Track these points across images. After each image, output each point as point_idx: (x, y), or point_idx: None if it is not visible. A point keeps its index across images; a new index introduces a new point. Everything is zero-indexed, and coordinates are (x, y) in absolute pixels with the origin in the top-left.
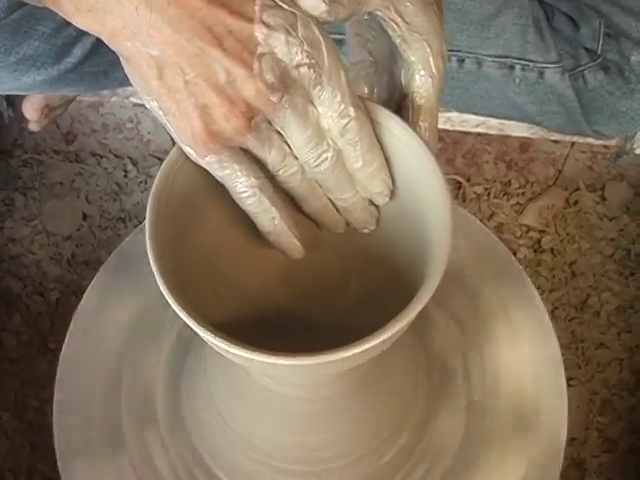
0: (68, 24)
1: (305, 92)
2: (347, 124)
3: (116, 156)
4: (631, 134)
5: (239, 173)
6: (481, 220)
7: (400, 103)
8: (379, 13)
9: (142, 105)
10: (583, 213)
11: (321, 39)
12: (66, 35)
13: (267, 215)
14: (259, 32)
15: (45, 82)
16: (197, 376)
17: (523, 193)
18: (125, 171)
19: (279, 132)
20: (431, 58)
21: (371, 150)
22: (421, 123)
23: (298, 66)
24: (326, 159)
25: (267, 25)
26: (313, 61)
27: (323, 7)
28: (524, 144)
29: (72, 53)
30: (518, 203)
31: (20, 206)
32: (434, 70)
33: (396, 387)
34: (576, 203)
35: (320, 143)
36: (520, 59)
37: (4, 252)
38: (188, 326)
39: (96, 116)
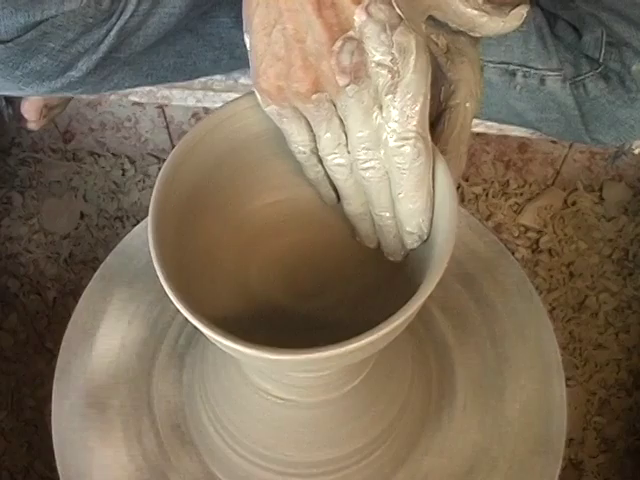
0: (77, 41)
1: (376, 94)
2: (402, 147)
3: (114, 155)
4: (629, 142)
5: (294, 133)
6: (479, 220)
7: (434, 121)
8: (431, 36)
9: (140, 104)
10: (581, 213)
11: (414, 52)
12: (74, 51)
13: (313, 168)
14: (358, 16)
15: (47, 92)
16: (195, 366)
17: (521, 193)
18: (123, 170)
19: (341, 120)
20: (473, 80)
21: (418, 188)
22: (449, 132)
23: (378, 65)
24: (374, 168)
25: (369, 13)
26: (395, 67)
27: None
28: (523, 144)
29: (77, 67)
30: (516, 203)
31: (18, 205)
32: (474, 91)
33: (392, 390)
34: (574, 203)
35: (373, 149)
36: (521, 66)
37: (1, 251)
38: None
39: (94, 115)
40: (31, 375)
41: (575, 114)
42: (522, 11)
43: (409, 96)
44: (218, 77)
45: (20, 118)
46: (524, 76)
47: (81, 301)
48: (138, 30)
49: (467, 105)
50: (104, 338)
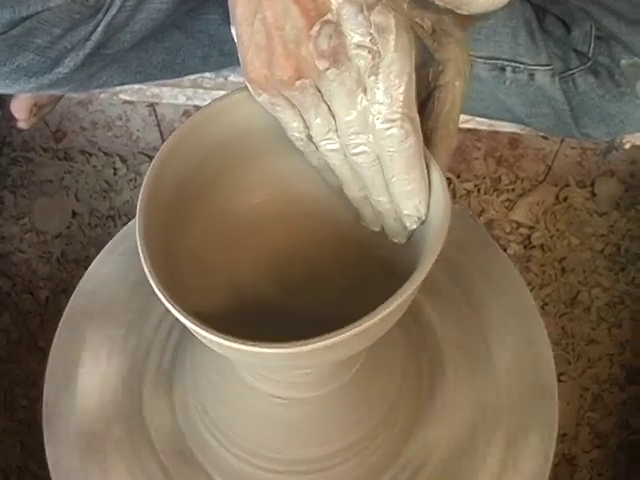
0: (64, 37)
1: (359, 77)
2: (389, 129)
3: (105, 154)
4: (620, 136)
5: (289, 119)
6: (471, 216)
7: (424, 102)
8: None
9: (131, 102)
10: (573, 209)
11: (393, 31)
12: (61, 48)
13: (314, 155)
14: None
15: (34, 89)
16: (186, 380)
17: (513, 189)
18: (114, 169)
19: (329, 105)
20: (461, 60)
21: (409, 170)
22: (440, 110)
23: (358, 47)
24: (364, 152)
25: None
26: (375, 48)
27: None
28: (514, 140)
29: (64, 64)
30: (508, 199)
31: (9, 204)
32: (462, 70)
33: (384, 387)
34: (566, 199)
35: (361, 133)
36: (511, 61)
37: None
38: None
39: (85, 114)
40: (24, 375)
41: (565, 109)
42: None
43: (392, 76)
44: (208, 75)
45: (10, 117)
46: (513, 71)
47: (54, 347)
48: (125, 26)
49: (456, 84)
50: (86, 379)
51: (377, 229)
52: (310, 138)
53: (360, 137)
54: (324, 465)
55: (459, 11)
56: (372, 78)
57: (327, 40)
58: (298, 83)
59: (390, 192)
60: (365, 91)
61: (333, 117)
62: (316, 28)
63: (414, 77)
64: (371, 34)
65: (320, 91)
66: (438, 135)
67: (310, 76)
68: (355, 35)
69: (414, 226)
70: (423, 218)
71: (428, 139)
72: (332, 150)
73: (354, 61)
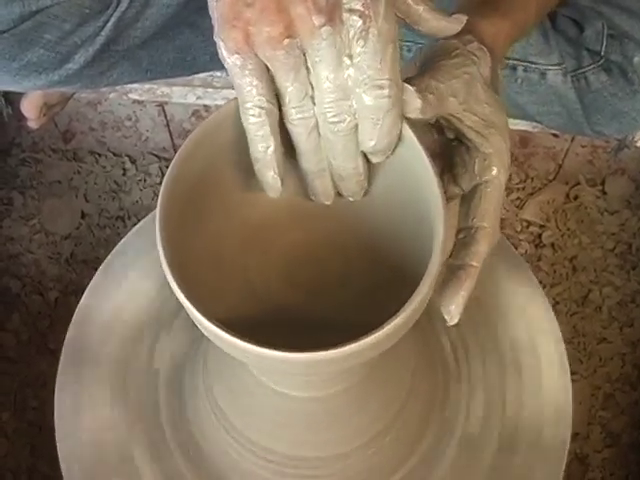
0: (74, 32)
1: (348, 41)
2: (376, 97)
3: (114, 154)
4: (632, 134)
5: (254, 89)
6: None
7: (470, 193)
8: (455, 114)
9: (141, 102)
10: (584, 208)
11: (383, 2)
12: (71, 43)
13: (263, 141)
14: None
15: (45, 85)
16: (197, 378)
17: (523, 188)
18: (124, 169)
19: (309, 69)
20: (505, 151)
21: (390, 134)
22: (488, 207)
23: (351, 11)
24: (344, 121)
25: None
26: (367, 12)
27: (418, 104)
28: (524, 138)
29: (74, 59)
30: (518, 198)
31: (18, 205)
32: (505, 161)
33: (398, 385)
34: (577, 198)
35: (343, 100)
36: (522, 60)
37: (2, 252)
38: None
39: (94, 114)
40: (34, 376)
41: (577, 107)
42: (462, 18)
43: (380, 42)
44: (218, 74)
45: (20, 117)
46: (525, 70)
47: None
48: (136, 22)
49: (501, 178)
50: (88, 435)
51: (329, 202)
52: (268, 115)
53: (340, 104)
54: (335, 463)
55: (414, 26)
56: (360, 42)
57: None
58: (286, 41)
59: (363, 149)
60: (351, 57)
61: (310, 84)
62: None
63: (398, 46)
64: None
65: (305, 54)
66: (485, 233)
67: (301, 34)
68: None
69: (382, 159)
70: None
71: (472, 236)
72: (302, 118)
73: (345, 24)
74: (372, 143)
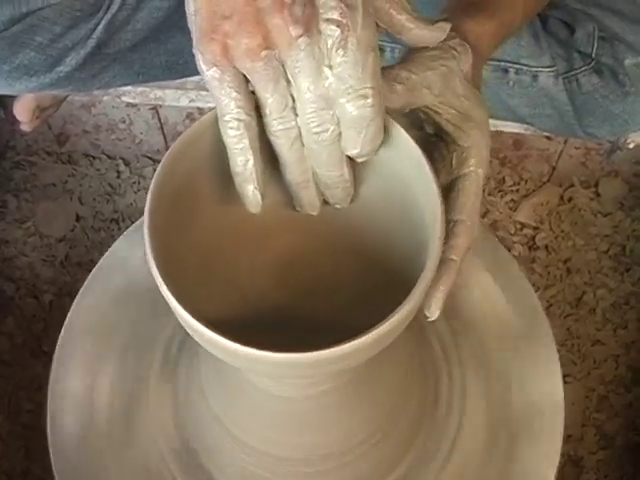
0: (65, 35)
1: (326, 51)
2: (360, 107)
3: (109, 157)
4: (624, 136)
5: (232, 102)
6: None
7: (448, 187)
8: (432, 107)
9: (135, 105)
10: (577, 210)
11: (360, 9)
12: (62, 46)
13: (242, 155)
14: None
15: (36, 88)
16: (192, 376)
17: (517, 190)
18: (118, 172)
19: (289, 81)
20: (483, 145)
21: (373, 141)
22: (466, 200)
23: (327, 20)
24: (327, 130)
25: None
26: (344, 21)
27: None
28: (517, 141)
29: (65, 62)
30: (512, 200)
31: (12, 208)
32: (484, 155)
33: (390, 385)
34: (570, 200)
35: (326, 110)
36: (514, 63)
37: None
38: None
39: (88, 117)
40: (28, 379)
41: (568, 109)
42: (446, 26)
43: (361, 51)
44: None
45: (13, 120)
46: (517, 73)
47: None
48: (127, 25)
49: (479, 171)
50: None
51: (315, 212)
52: (247, 128)
53: (322, 114)
54: (330, 462)
55: (398, 36)
56: (340, 52)
57: (302, 8)
58: (264, 53)
59: (349, 155)
60: (331, 67)
61: (291, 95)
62: None
63: (379, 54)
64: (341, 8)
65: (283, 66)
66: (463, 226)
67: (278, 45)
68: (326, 9)
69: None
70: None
71: (451, 230)
72: (284, 129)
73: (323, 34)
74: (356, 151)
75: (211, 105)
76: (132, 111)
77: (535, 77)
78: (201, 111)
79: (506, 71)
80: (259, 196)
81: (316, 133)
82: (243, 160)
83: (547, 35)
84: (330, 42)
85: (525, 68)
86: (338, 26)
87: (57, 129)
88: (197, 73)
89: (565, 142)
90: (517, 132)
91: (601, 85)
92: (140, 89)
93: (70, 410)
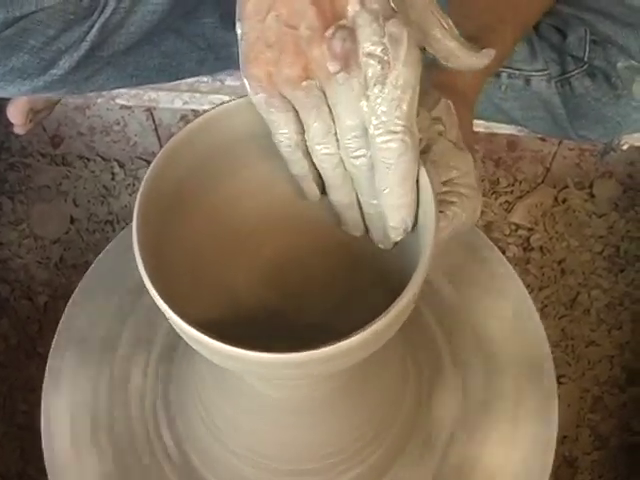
0: (58, 38)
1: (365, 85)
2: (388, 141)
3: (103, 159)
4: (618, 137)
5: (282, 122)
6: None
7: None
8: None
9: (129, 107)
10: (572, 211)
11: (405, 44)
12: (55, 49)
13: (298, 163)
14: (352, 6)
15: (29, 91)
16: (186, 376)
17: (512, 191)
18: (112, 174)
19: (330, 108)
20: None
21: (403, 183)
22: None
23: (369, 55)
24: (364, 156)
25: (362, 4)
26: (386, 58)
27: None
28: (512, 142)
29: (59, 65)
30: (507, 201)
31: (7, 210)
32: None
33: (383, 386)
34: (565, 201)
35: (363, 137)
36: (507, 67)
37: None
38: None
39: (82, 119)
40: (23, 380)
41: (561, 112)
42: (491, 52)
43: (398, 88)
44: (204, 79)
45: (7, 122)
46: (509, 77)
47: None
48: (120, 28)
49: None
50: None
51: (359, 234)
52: (299, 145)
53: (360, 141)
54: (323, 463)
55: (444, 62)
56: (378, 87)
57: (341, 43)
58: (305, 83)
59: (379, 202)
60: (368, 99)
61: (333, 120)
62: (331, 31)
63: (418, 92)
64: (384, 44)
65: (324, 94)
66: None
67: (318, 77)
68: (368, 43)
69: (398, 238)
70: (409, 230)
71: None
72: (327, 154)
73: (363, 68)
74: (386, 191)
75: (205, 107)
76: (126, 113)
77: (528, 81)
78: (195, 113)
79: (499, 75)
80: (317, 190)
81: (354, 157)
82: (299, 166)
83: (540, 40)
84: (370, 75)
85: (518, 72)
86: (379, 62)
87: (52, 131)
88: (190, 75)
89: (559, 143)
90: (511, 134)
91: (594, 88)
92: (134, 91)
93: (64, 413)
